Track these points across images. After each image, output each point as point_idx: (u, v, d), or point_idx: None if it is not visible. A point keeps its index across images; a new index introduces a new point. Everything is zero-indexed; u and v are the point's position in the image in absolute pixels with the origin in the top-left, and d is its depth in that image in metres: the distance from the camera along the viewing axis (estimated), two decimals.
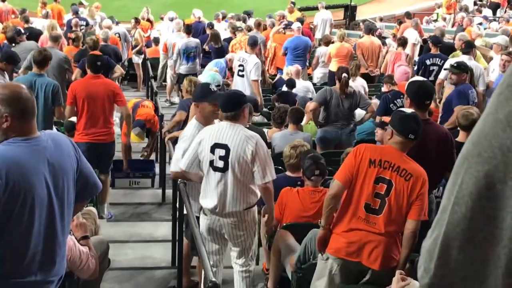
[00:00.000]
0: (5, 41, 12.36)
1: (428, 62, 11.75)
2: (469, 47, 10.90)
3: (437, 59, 11.66)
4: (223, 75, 11.82)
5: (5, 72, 9.42)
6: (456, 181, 1.30)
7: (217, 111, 5.79)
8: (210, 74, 8.10)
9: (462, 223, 1.28)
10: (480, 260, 1.27)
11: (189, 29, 14.31)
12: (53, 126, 8.13)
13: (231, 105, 5.49)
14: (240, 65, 11.27)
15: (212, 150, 5.39)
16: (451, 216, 1.30)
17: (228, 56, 12.76)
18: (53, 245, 3.58)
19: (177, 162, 5.70)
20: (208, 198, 5.53)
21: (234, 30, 15.64)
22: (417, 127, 4.79)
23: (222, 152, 5.36)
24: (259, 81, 11.31)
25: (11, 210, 3.30)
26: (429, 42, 12.75)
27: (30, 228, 3.40)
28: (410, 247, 4.64)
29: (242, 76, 11.22)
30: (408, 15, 18.03)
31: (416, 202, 4.63)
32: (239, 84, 11.21)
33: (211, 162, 5.41)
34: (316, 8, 21.77)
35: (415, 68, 12.31)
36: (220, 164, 5.38)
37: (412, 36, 15.35)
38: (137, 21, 17.91)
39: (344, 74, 8.75)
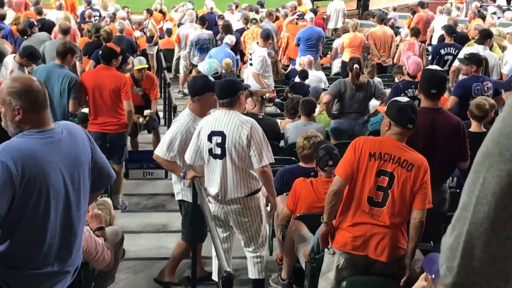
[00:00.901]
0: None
1: (442, 51, 11.70)
2: (484, 37, 10.82)
3: (452, 48, 11.62)
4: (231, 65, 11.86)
5: (25, 68, 9.48)
6: (478, 180, 1.30)
7: (216, 102, 5.86)
8: (207, 62, 8.09)
9: (486, 222, 1.28)
10: (503, 259, 1.28)
11: (203, 21, 14.28)
12: (69, 118, 8.13)
13: (226, 92, 5.54)
14: (250, 54, 11.47)
15: (210, 138, 5.44)
16: (473, 216, 1.30)
17: (226, 40, 12.78)
18: (70, 236, 3.61)
19: (163, 147, 5.83)
20: (211, 186, 5.60)
21: (247, 21, 15.59)
22: (414, 115, 4.77)
23: (219, 139, 5.42)
24: (270, 74, 11.48)
25: (27, 202, 3.33)
26: (443, 31, 12.67)
27: (46, 219, 3.43)
28: (418, 236, 4.65)
29: (251, 65, 11.39)
30: (422, 4, 17.86)
31: (420, 191, 4.63)
32: (249, 74, 11.33)
33: (210, 150, 5.47)
34: None
35: (429, 57, 12.25)
36: (218, 151, 5.44)
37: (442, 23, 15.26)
38: (149, 12, 17.90)
39: (356, 65, 8.72)
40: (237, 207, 5.59)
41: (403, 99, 5.15)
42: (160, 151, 5.82)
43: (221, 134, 5.40)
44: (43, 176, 3.37)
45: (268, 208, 5.81)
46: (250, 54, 11.38)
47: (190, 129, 5.72)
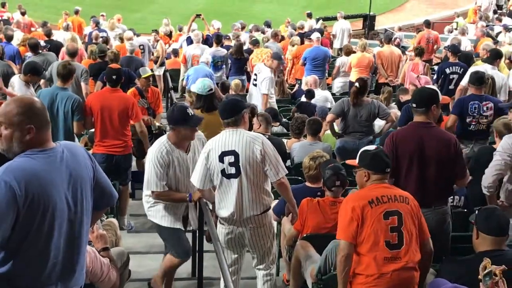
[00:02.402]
0: (26, 53, 12.46)
1: (447, 70, 11.66)
2: (494, 57, 10.81)
3: (457, 67, 11.59)
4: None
5: (30, 84, 9.52)
6: None
7: (193, 135, 5.92)
8: (200, 81, 8.09)
9: None
10: None
11: (219, 39, 14.35)
12: (75, 139, 8.13)
13: (230, 112, 5.52)
14: (255, 74, 11.40)
15: (221, 159, 5.40)
16: None
17: (203, 59, 12.87)
18: (73, 255, 3.61)
19: (151, 183, 5.81)
20: (225, 208, 5.54)
21: (253, 44, 15.65)
22: (388, 159, 4.92)
23: (231, 158, 5.38)
24: (274, 95, 11.56)
25: (31, 222, 3.33)
26: (447, 51, 12.64)
27: (50, 238, 3.43)
28: (429, 266, 4.68)
29: (255, 85, 11.30)
30: (428, 23, 17.84)
31: (421, 220, 4.71)
32: (253, 94, 11.35)
33: (223, 171, 5.42)
34: (335, 18, 21.80)
35: (434, 76, 12.24)
36: (232, 170, 5.40)
37: None
38: (156, 32, 17.99)
39: (356, 84, 8.78)
40: (252, 226, 5.57)
41: (371, 147, 5.22)
42: (154, 187, 5.82)
43: (233, 153, 5.37)
44: (46, 196, 3.37)
45: (289, 218, 5.83)
46: (255, 74, 11.35)
47: (165, 157, 5.79)
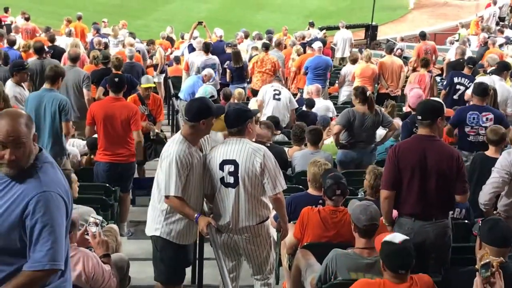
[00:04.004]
0: (29, 59, 12.46)
1: (456, 80, 11.57)
2: (502, 69, 10.81)
3: (465, 79, 11.45)
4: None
5: (22, 85, 9.53)
6: None
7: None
8: (202, 88, 8.10)
9: None
10: None
11: (207, 48, 14.38)
12: (63, 141, 8.08)
13: (234, 121, 5.50)
14: (275, 90, 11.68)
15: (221, 167, 5.40)
16: None
17: (204, 72, 12.80)
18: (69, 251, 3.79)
19: (170, 186, 5.30)
20: (221, 216, 5.53)
21: (256, 48, 15.75)
22: (409, 258, 4.52)
23: (231, 167, 5.37)
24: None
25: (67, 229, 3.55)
26: (464, 62, 12.56)
27: (67, 235, 3.61)
28: None
29: (279, 99, 11.59)
30: (423, 35, 17.77)
31: None
32: (274, 106, 11.57)
33: (222, 179, 5.42)
34: (337, 28, 21.84)
35: (444, 83, 12.23)
36: (230, 179, 5.39)
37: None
38: (152, 42, 18.07)
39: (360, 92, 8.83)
40: (248, 236, 5.54)
41: (397, 239, 4.63)
42: (171, 191, 5.30)
43: (234, 162, 5.36)
44: (69, 195, 3.57)
45: (290, 237, 5.80)
46: (277, 89, 11.64)
47: (187, 157, 5.35)
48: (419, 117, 5.70)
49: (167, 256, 5.63)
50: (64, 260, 3.44)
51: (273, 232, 6.11)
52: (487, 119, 8.56)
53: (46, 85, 8.19)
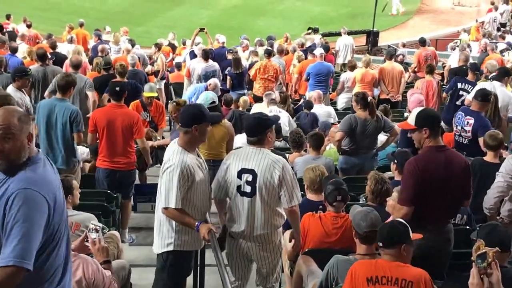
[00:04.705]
0: (31, 66, 12.47)
1: (459, 85, 11.51)
2: (503, 74, 10.82)
3: (469, 86, 11.38)
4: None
5: (23, 90, 9.57)
6: None
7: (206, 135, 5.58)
8: (204, 94, 8.11)
9: None
10: None
11: (207, 55, 14.39)
12: (75, 148, 8.12)
13: (254, 130, 5.49)
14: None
15: (239, 175, 5.39)
16: None
17: (209, 82, 12.79)
18: (69, 260, 3.72)
19: (171, 198, 5.22)
20: (235, 222, 5.54)
21: (256, 54, 15.80)
22: (403, 231, 4.68)
23: (249, 177, 5.36)
24: None
25: (55, 228, 3.45)
26: (468, 68, 12.55)
27: (62, 241, 3.54)
28: None
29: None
30: (423, 41, 17.73)
31: None
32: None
33: (239, 188, 5.41)
34: (338, 34, 21.86)
35: (447, 87, 12.22)
36: (247, 189, 5.39)
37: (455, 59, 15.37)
38: (157, 46, 18.04)
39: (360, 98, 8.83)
40: (261, 242, 5.56)
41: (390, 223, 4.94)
42: (171, 203, 5.22)
43: (252, 172, 5.35)
44: (59, 201, 3.49)
45: (291, 244, 5.79)
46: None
47: (188, 167, 5.27)
48: (428, 128, 5.50)
49: (178, 268, 5.60)
50: (32, 260, 3.26)
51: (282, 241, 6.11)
52: (467, 123, 8.61)
53: (57, 95, 8.20)
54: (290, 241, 5.88)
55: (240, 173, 5.39)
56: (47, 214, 3.35)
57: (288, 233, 5.95)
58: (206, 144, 7.92)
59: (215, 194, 5.58)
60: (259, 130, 5.48)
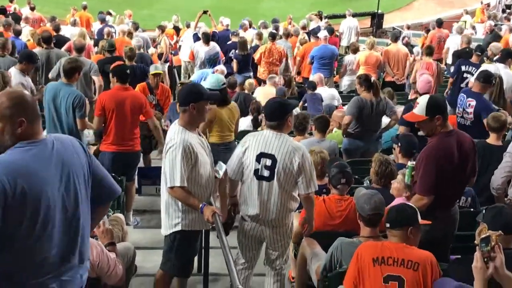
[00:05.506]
0: (35, 49, 12.45)
1: (463, 68, 11.51)
2: (506, 56, 10.77)
3: (473, 68, 11.39)
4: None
5: (27, 73, 9.58)
6: None
7: (206, 114, 5.60)
8: (212, 76, 8.09)
9: None
10: None
11: (207, 38, 14.34)
12: (79, 133, 8.09)
13: (275, 115, 5.47)
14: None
15: (258, 159, 5.38)
16: None
17: (216, 68, 12.74)
18: (72, 247, 3.58)
19: (175, 176, 5.21)
20: (249, 206, 5.55)
21: (260, 36, 15.75)
22: (410, 213, 4.70)
23: (268, 161, 5.36)
24: None
25: (22, 216, 3.29)
26: (473, 50, 12.49)
27: (43, 231, 3.38)
28: None
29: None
30: (440, 22, 17.64)
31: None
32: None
33: (256, 171, 5.41)
34: (343, 16, 21.75)
35: (452, 70, 12.18)
36: (266, 173, 5.39)
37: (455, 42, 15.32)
38: (161, 29, 17.97)
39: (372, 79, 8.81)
40: (274, 225, 5.58)
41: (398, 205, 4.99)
42: (176, 181, 5.22)
43: (272, 157, 5.35)
44: (37, 188, 3.34)
45: (298, 227, 5.82)
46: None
47: (191, 146, 5.28)
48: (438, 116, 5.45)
49: (186, 249, 5.63)
50: None
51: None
52: (469, 105, 8.59)
53: (63, 79, 8.19)
54: (299, 224, 5.90)
55: (259, 157, 5.38)
56: (4, 199, 3.21)
57: (295, 214, 5.94)
58: (218, 127, 7.93)
59: (233, 175, 5.55)
60: (281, 115, 5.46)
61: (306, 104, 11.84)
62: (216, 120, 8.00)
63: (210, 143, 6.49)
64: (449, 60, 15.53)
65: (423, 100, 5.51)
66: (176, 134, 5.32)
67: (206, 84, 7.89)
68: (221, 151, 7.63)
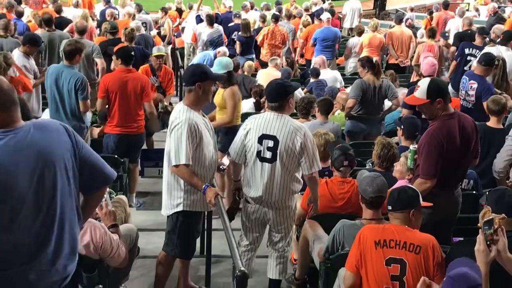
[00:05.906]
0: (37, 30, 12.41)
1: (466, 51, 11.42)
2: (508, 38, 10.72)
3: (477, 50, 11.25)
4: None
5: (30, 56, 9.57)
6: None
7: (211, 94, 5.63)
8: (219, 60, 8.05)
9: None
10: None
11: (211, 20, 14.28)
12: (81, 115, 8.06)
13: (276, 96, 5.46)
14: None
15: (260, 141, 5.39)
16: None
17: (218, 49, 12.70)
18: (46, 237, 3.45)
19: (180, 154, 5.22)
20: (253, 188, 5.56)
21: (264, 19, 15.69)
22: (411, 195, 4.70)
23: (270, 143, 5.37)
24: None
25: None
26: (476, 32, 12.42)
27: (10, 223, 3.31)
28: None
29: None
30: (446, 4, 17.53)
31: (436, 273, 4.40)
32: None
33: (258, 153, 5.42)
34: None
35: (456, 54, 12.16)
36: (268, 155, 5.40)
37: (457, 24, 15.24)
38: (164, 10, 17.88)
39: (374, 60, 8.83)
40: (278, 208, 5.60)
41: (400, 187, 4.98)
42: (182, 159, 5.22)
43: (274, 138, 5.35)
44: (4, 180, 3.26)
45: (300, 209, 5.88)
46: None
47: (195, 124, 5.29)
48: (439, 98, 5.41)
49: (188, 230, 5.64)
50: None
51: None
52: (471, 87, 8.59)
53: (64, 61, 8.17)
54: (303, 205, 5.91)
55: (261, 139, 5.39)
56: None
57: (298, 196, 5.95)
58: (224, 111, 7.88)
59: (236, 158, 5.56)
60: (282, 96, 5.45)
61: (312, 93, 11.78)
62: (223, 101, 7.95)
63: (239, 125, 6.63)
64: (451, 42, 15.44)
65: (424, 83, 5.48)
66: (181, 113, 5.33)
67: (215, 67, 7.83)
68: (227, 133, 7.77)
